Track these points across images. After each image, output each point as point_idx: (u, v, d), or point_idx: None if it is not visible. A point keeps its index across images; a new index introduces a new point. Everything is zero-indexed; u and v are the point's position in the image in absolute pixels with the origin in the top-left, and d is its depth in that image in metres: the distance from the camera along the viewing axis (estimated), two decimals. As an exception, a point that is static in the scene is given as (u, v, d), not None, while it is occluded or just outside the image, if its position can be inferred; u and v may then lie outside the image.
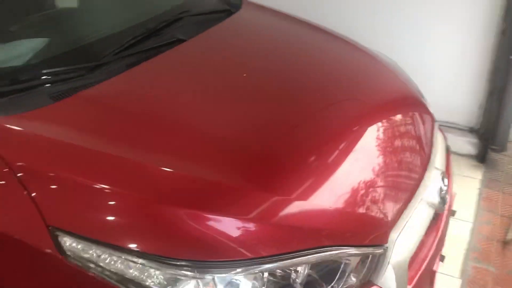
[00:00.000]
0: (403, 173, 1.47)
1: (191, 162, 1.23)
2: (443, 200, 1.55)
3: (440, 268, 1.92)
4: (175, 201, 1.14)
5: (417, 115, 1.72)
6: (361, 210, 1.29)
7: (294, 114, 1.47)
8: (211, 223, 1.12)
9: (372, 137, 1.48)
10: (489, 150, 2.90)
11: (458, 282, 2.15)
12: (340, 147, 1.38)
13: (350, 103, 1.58)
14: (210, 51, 1.77)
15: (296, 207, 1.20)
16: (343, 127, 1.45)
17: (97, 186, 1.15)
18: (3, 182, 1.17)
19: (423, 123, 1.72)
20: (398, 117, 1.64)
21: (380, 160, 1.43)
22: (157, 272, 1.09)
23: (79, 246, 1.10)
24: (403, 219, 1.36)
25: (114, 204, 1.14)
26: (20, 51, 1.52)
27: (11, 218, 1.15)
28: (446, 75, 2.95)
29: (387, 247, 1.28)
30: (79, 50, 1.59)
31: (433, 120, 1.79)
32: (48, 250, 1.10)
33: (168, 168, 1.20)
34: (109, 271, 1.09)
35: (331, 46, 2.02)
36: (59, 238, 1.10)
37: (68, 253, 1.10)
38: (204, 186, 1.18)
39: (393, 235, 1.30)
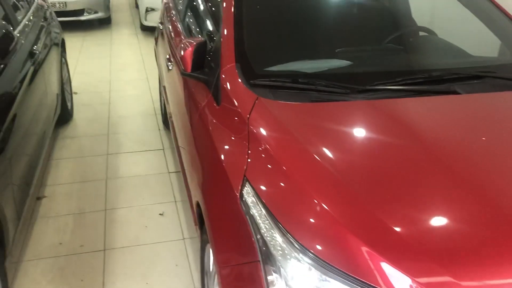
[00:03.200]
0: None
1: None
2: None
3: None
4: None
5: None
6: None
7: None
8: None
9: None
10: None
11: None
12: None
13: None
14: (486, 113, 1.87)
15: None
16: None
17: (298, 181, 1.49)
18: (240, 134, 1.75)
19: None
20: None
21: None
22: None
23: (252, 199, 1.52)
24: None
25: (301, 201, 1.43)
26: (321, 65, 2.09)
27: (232, 156, 1.73)
28: None
29: None
30: (355, 75, 2.02)
31: None
32: (236, 186, 1.60)
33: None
34: (258, 226, 1.45)
35: None
36: (245, 186, 1.57)
37: (243, 197, 1.55)
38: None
39: None
